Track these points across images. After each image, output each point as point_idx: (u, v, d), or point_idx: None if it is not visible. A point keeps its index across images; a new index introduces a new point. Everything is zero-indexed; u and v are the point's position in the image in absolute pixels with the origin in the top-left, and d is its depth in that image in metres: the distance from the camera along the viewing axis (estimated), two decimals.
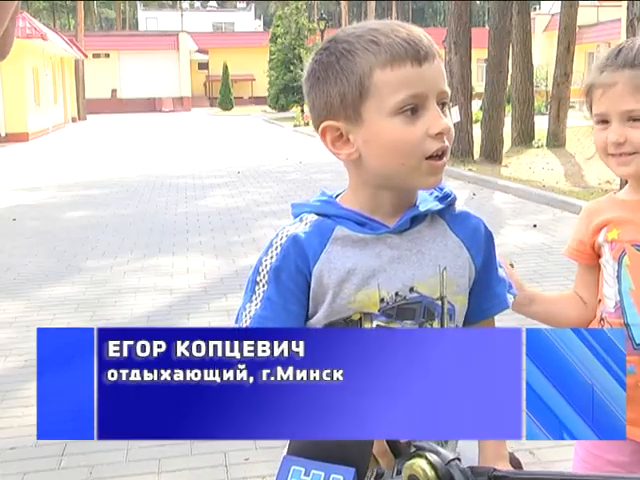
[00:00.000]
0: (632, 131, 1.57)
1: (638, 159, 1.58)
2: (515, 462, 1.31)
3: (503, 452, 1.32)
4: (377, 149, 1.27)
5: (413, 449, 1.00)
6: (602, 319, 1.73)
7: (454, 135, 1.31)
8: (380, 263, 1.31)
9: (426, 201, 1.36)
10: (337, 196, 1.39)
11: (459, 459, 0.96)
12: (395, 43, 1.24)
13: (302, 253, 1.31)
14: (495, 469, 0.95)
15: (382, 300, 1.31)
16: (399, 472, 1.02)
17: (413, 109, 1.24)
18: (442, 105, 1.27)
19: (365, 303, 1.31)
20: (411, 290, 1.32)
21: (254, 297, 1.33)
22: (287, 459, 0.94)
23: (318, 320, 1.33)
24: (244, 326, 1.31)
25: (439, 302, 1.34)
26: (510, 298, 1.48)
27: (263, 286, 1.33)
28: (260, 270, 1.34)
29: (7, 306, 5.90)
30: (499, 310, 1.45)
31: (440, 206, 1.36)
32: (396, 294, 1.31)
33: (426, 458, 0.96)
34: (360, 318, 1.32)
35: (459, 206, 1.40)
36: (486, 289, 1.41)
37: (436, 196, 1.37)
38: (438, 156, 1.26)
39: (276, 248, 1.33)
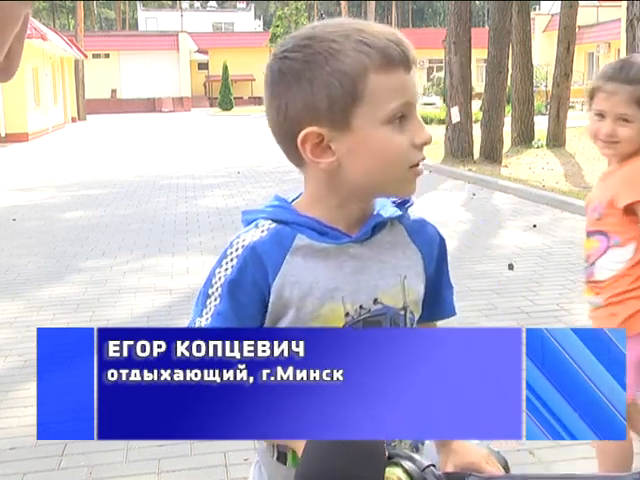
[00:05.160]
0: (620, 129, 2.32)
1: (619, 146, 2.33)
2: (502, 462, 1.29)
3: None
4: (362, 158, 1.20)
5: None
6: None
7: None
8: (343, 275, 1.25)
9: (385, 207, 1.30)
10: (292, 201, 1.31)
11: (434, 465, 0.95)
12: (387, 46, 1.18)
13: (260, 265, 1.23)
14: (470, 474, 0.94)
15: (347, 314, 1.25)
16: None
17: (401, 117, 1.20)
18: None
19: (329, 318, 1.24)
20: (375, 301, 1.26)
21: (205, 311, 1.25)
22: None
23: None
24: None
25: (402, 312, 1.29)
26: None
27: (215, 299, 1.25)
28: (213, 282, 1.26)
29: (7, 306, 5.90)
30: (446, 316, 1.41)
31: (399, 212, 1.31)
32: (360, 307, 1.25)
33: (402, 466, 0.94)
34: None
35: (414, 212, 1.36)
36: (436, 295, 1.38)
37: (394, 201, 1.32)
38: (416, 165, 1.23)
39: (231, 260, 1.25)
